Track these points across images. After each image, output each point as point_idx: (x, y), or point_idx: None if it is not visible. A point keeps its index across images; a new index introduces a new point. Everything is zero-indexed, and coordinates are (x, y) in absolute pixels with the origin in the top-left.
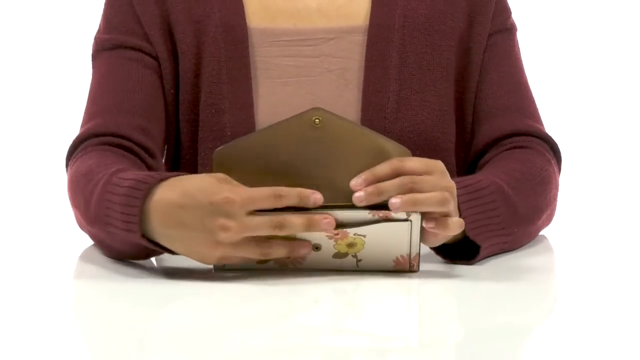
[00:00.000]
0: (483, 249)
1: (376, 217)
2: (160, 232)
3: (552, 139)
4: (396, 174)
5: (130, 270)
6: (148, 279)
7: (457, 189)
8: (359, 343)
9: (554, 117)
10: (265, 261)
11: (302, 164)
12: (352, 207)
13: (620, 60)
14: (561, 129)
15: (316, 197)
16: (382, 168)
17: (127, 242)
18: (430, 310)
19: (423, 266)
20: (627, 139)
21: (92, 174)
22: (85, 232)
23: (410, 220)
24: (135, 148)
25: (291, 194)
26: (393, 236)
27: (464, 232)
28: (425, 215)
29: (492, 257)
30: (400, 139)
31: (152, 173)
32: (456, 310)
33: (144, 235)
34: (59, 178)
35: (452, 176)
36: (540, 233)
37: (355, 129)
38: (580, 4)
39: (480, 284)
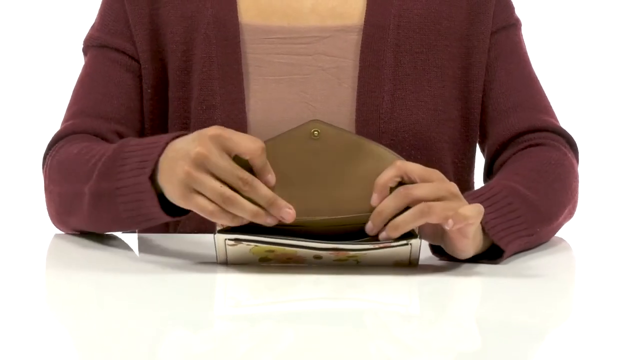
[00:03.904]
0: (508, 251)
1: (377, 246)
2: (158, 168)
3: (567, 132)
4: (400, 175)
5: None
6: (144, 271)
7: (469, 199)
8: (363, 306)
9: (568, 116)
10: (267, 260)
11: (301, 176)
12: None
13: (624, 56)
14: (580, 131)
15: (288, 212)
16: (389, 174)
17: (132, 192)
18: (432, 303)
19: (434, 262)
20: None
21: (90, 147)
22: (65, 211)
23: (410, 244)
24: None
25: (259, 194)
26: (393, 254)
27: (489, 239)
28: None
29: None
30: (395, 138)
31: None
32: (469, 308)
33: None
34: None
35: (447, 175)
36: (559, 235)
37: (354, 139)
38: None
39: (495, 283)
